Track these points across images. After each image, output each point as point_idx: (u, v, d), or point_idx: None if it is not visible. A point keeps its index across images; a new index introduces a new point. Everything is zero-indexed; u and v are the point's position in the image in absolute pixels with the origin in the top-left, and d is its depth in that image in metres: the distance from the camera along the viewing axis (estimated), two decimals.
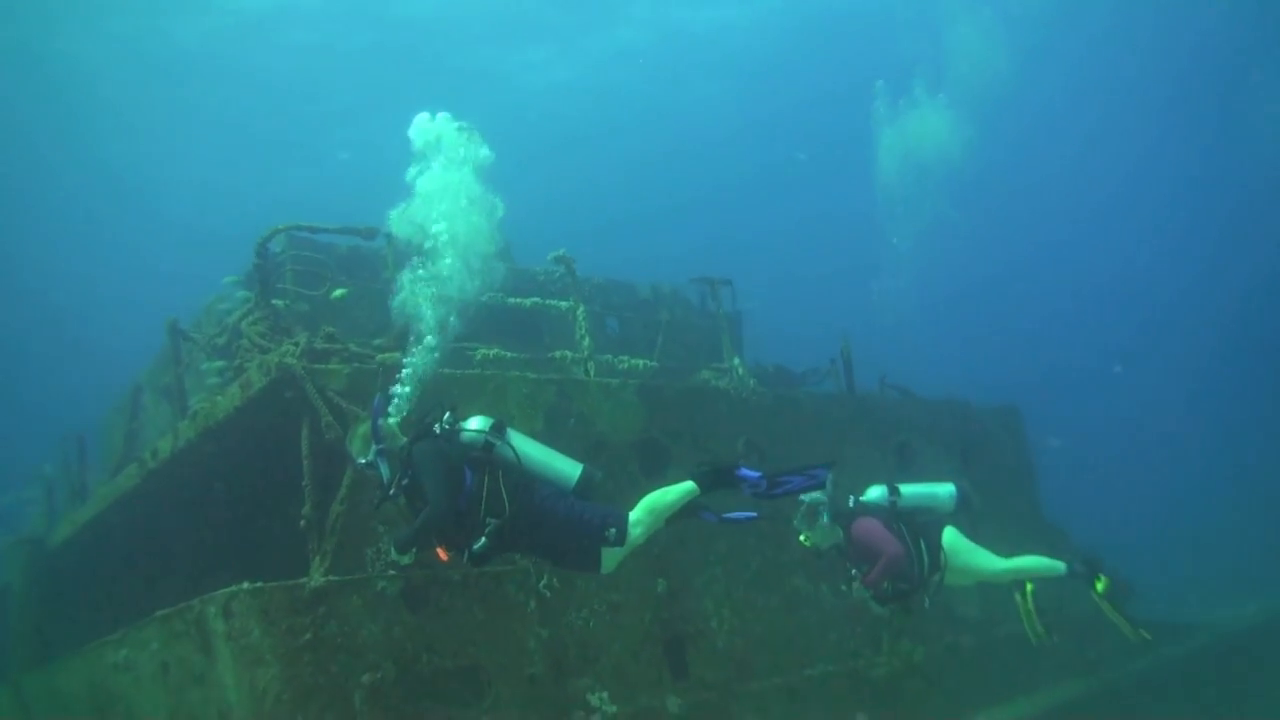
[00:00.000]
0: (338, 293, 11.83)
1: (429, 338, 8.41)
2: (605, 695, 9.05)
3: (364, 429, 7.25)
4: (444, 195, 8.63)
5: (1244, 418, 54.87)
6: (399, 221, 8.75)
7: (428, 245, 8.50)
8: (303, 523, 8.25)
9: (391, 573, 7.99)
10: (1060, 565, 9.23)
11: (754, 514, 7.65)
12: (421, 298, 8.42)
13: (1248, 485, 44.59)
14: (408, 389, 8.15)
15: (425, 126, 8.82)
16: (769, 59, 50.09)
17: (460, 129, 8.83)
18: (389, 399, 8.03)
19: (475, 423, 7.30)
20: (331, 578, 7.88)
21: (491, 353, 10.92)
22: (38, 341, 53.14)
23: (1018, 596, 9.33)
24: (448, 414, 7.30)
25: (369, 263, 13.64)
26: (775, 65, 50.70)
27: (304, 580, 7.80)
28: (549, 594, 8.98)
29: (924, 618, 9.43)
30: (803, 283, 64.40)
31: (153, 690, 8.71)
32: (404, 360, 8.38)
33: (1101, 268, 68.43)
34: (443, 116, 8.91)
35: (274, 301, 10.05)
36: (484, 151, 8.79)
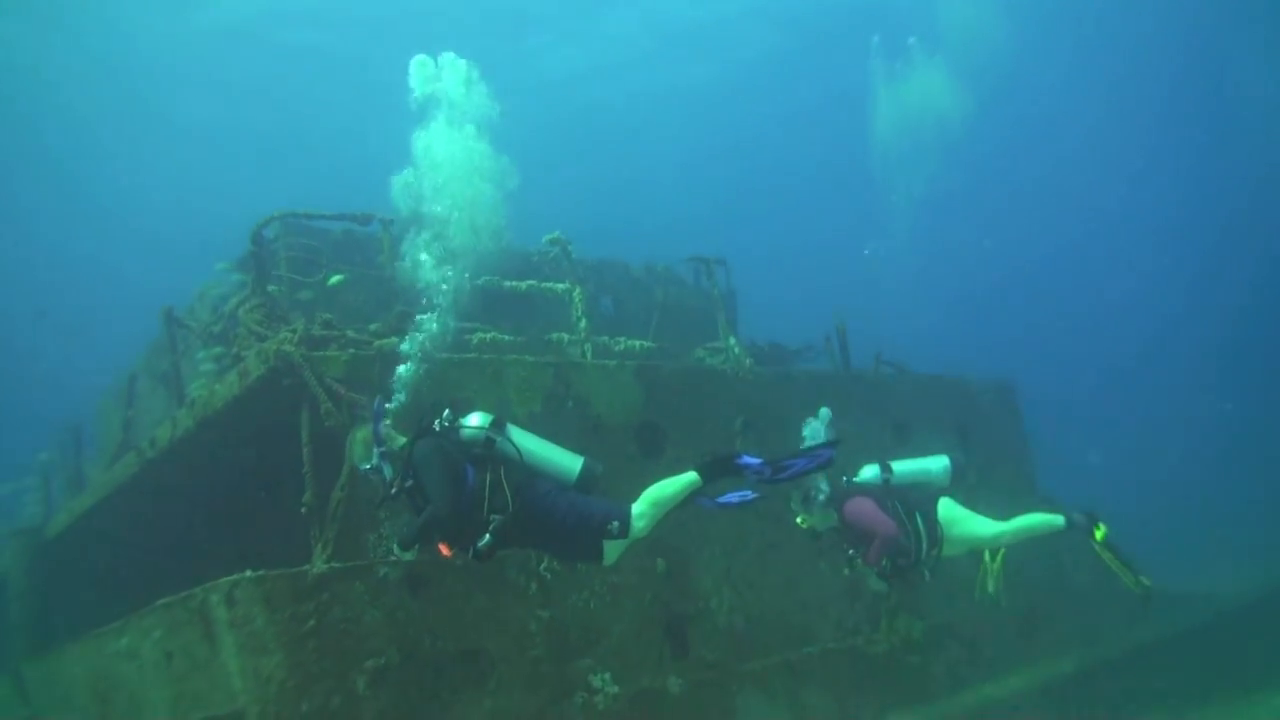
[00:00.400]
0: (334, 279, 11.79)
1: (429, 315, 8.41)
2: (607, 676, 9.09)
3: (364, 434, 7.18)
4: (449, 159, 8.50)
5: (1247, 380, 54.87)
6: (400, 188, 8.68)
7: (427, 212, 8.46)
8: (304, 510, 8.26)
9: (393, 558, 8.00)
10: (1059, 519, 9.11)
11: (751, 494, 7.60)
12: (427, 265, 8.36)
13: (1250, 453, 44.55)
14: (412, 367, 8.14)
15: (426, 73, 8.62)
16: (762, 26, 49.82)
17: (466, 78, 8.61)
18: (391, 387, 8.05)
19: (475, 419, 7.24)
20: (334, 564, 7.91)
21: (489, 336, 10.90)
22: (30, 329, 53.08)
23: (987, 555, 9.26)
24: (447, 411, 7.25)
25: (363, 247, 13.61)
26: (768, 28, 50.39)
27: (306, 567, 7.83)
28: (549, 576, 9.00)
29: (923, 593, 9.43)
30: (797, 247, 64.41)
31: (156, 678, 8.74)
32: (418, 318, 8.32)
33: (1103, 234, 68.37)
34: (446, 58, 8.67)
35: (270, 288, 10.02)
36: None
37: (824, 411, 9.36)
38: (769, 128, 61.84)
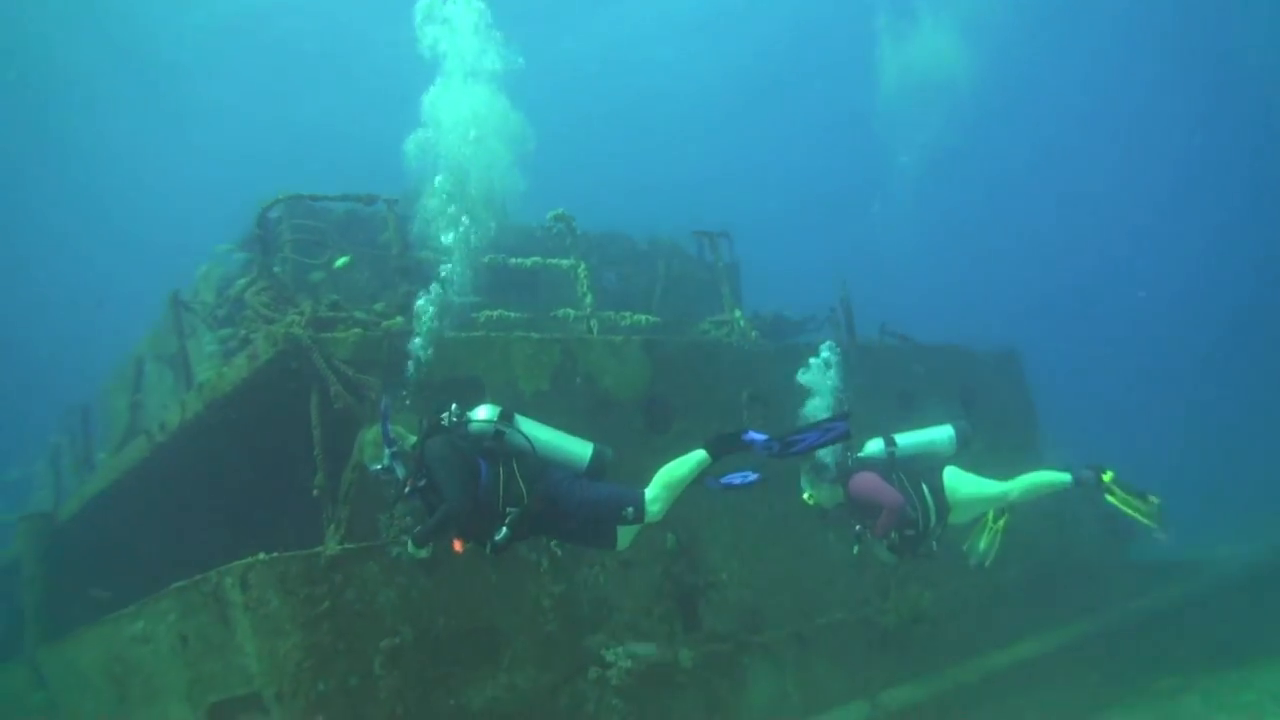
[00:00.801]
0: (341, 261, 11.76)
1: (435, 286, 8.42)
2: (620, 650, 9.13)
3: (373, 434, 7.20)
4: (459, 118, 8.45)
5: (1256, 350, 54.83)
6: (414, 148, 8.65)
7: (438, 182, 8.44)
8: (315, 492, 8.29)
9: (404, 537, 8.04)
10: (1066, 476, 9.15)
11: (754, 475, 7.61)
12: (441, 226, 8.35)
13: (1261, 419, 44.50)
14: (428, 326, 8.15)
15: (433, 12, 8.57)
16: None
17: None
18: (408, 355, 8.09)
19: (483, 412, 7.24)
20: (347, 545, 7.94)
21: (495, 314, 10.91)
22: (38, 314, 53.15)
23: (990, 514, 9.27)
24: (454, 405, 7.24)
25: (366, 226, 13.59)
26: None
27: (320, 549, 7.86)
28: (560, 553, 9.02)
29: (932, 563, 9.46)
30: (802, 208, 64.16)
31: (171, 661, 8.79)
32: (441, 265, 8.31)
33: (1110, 194, 68.15)
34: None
35: (275, 270, 10.01)
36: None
37: (825, 349, 9.43)
38: (773, 88, 61.60)
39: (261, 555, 7.66)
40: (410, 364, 8.39)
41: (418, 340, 8.45)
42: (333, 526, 8.16)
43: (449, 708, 8.10)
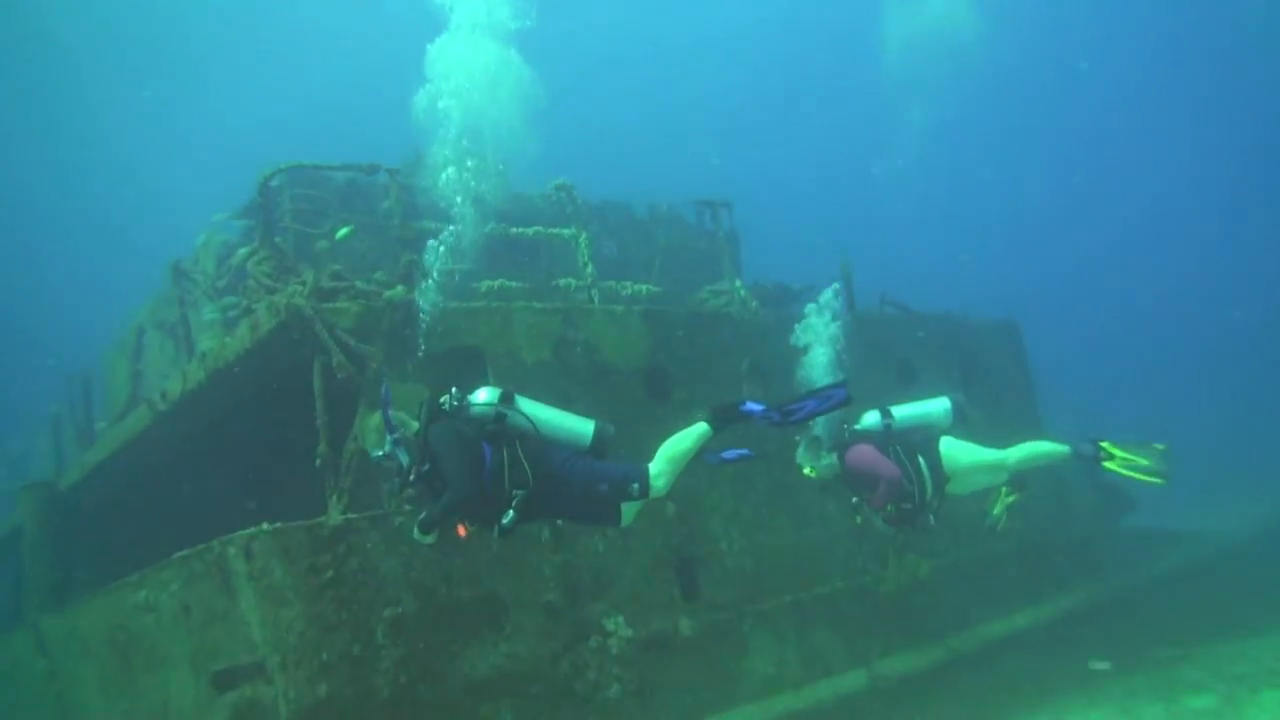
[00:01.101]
0: (342, 232, 11.74)
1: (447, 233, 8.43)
2: (620, 619, 9.19)
3: (375, 421, 7.11)
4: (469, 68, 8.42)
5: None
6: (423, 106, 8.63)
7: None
8: (318, 462, 8.32)
9: (407, 507, 8.08)
10: (1064, 447, 9.22)
11: (748, 452, 7.67)
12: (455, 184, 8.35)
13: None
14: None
15: None
16: None
17: None
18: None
19: (483, 394, 7.19)
20: (350, 515, 7.99)
21: (496, 284, 10.93)
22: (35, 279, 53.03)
23: (1004, 488, 9.30)
24: (454, 389, 7.18)
25: (366, 195, 13.57)
26: None
27: (323, 519, 7.90)
28: (561, 522, 9.07)
29: (930, 533, 9.50)
30: (805, 169, 63.88)
31: (174, 631, 8.84)
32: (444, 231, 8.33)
33: (1123, 163, 67.87)
34: None
35: (277, 240, 10.01)
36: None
37: (827, 293, 9.44)
38: (779, 47, 61.28)
39: (265, 525, 7.70)
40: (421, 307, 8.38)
41: (430, 281, 8.44)
42: (335, 497, 8.21)
43: (451, 676, 8.16)
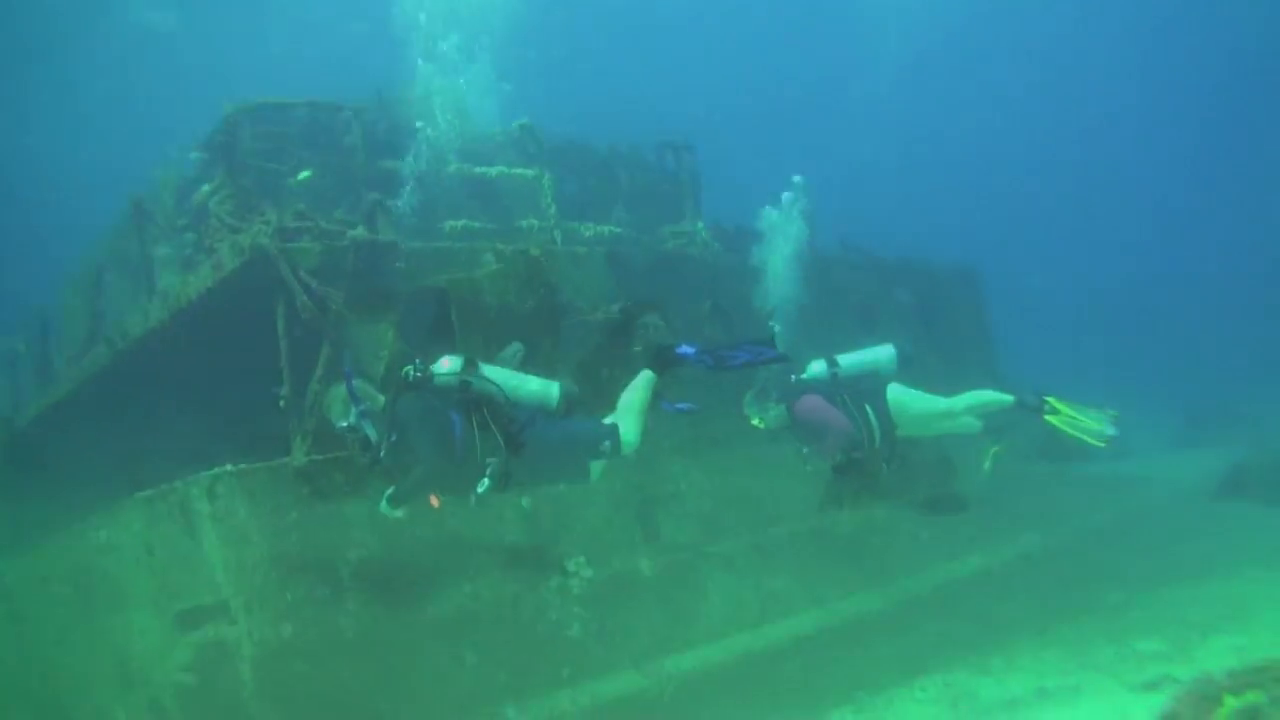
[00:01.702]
0: (303, 175, 11.59)
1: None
2: (582, 560, 9.29)
3: (340, 392, 7.11)
4: None
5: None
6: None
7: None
8: (281, 403, 8.31)
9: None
10: (1008, 397, 9.39)
11: (693, 405, 7.80)
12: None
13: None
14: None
15: None
16: None
17: None
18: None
19: (447, 363, 7.21)
20: (314, 456, 8.00)
21: (460, 224, 10.86)
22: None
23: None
24: (417, 360, 7.16)
25: (329, 131, 13.39)
26: None
27: (287, 460, 7.92)
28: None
29: (884, 477, 9.63)
30: (774, 105, 63.23)
31: (136, 571, 8.85)
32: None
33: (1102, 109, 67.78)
34: None
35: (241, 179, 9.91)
36: None
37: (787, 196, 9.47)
38: None
39: (229, 466, 7.72)
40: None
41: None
42: (299, 438, 8.20)
43: (415, 617, 8.24)
